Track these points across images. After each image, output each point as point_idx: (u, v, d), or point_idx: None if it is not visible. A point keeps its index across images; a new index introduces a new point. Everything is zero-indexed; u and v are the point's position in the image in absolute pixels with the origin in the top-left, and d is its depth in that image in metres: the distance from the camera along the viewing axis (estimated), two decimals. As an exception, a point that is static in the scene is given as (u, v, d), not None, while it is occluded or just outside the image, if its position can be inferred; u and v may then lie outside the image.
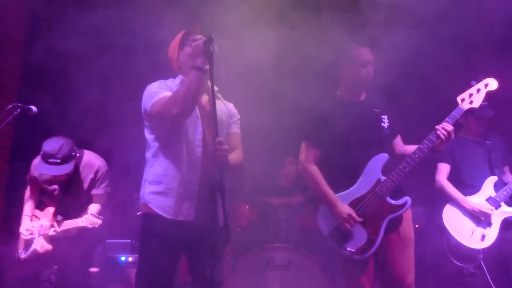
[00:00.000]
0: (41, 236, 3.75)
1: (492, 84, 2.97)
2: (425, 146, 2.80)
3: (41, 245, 3.72)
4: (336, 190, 2.88)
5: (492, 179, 3.82)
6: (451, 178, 3.95)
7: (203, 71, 2.45)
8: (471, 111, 3.65)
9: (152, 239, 2.54)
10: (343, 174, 2.90)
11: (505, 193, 3.75)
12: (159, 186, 2.57)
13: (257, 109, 3.70)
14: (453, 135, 2.81)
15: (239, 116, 2.89)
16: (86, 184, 3.85)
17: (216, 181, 2.30)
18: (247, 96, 3.31)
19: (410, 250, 2.87)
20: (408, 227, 2.89)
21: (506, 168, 4.02)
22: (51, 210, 3.85)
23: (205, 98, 2.73)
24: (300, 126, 3.11)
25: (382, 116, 3.00)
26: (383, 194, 2.79)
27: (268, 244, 3.96)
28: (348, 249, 2.79)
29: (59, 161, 3.58)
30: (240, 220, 4.28)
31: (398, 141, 3.12)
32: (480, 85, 2.98)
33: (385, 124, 2.98)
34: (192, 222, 2.53)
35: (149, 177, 2.62)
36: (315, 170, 2.95)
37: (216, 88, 2.77)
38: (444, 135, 2.78)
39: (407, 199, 2.82)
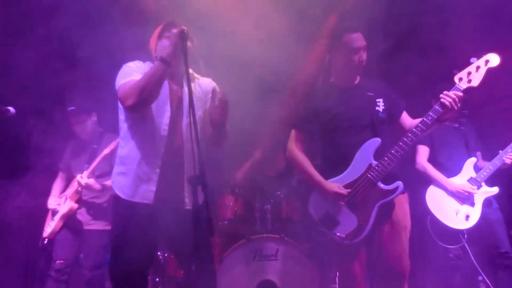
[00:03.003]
0: (68, 199, 3.94)
1: (494, 60, 2.71)
2: (419, 129, 2.73)
3: (66, 206, 3.92)
4: (329, 176, 2.87)
5: (472, 160, 3.91)
6: (430, 161, 4.01)
7: (166, 63, 2.41)
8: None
9: (114, 220, 2.61)
10: (335, 159, 2.89)
11: (485, 173, 3.83)
12: (122, 167, 2.61)
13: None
14: (459, 103, 2.66)
15: (218, 90, 2.77)
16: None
17: (197, 175, 2.22)
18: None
19: (404, 236, 2.83)
20: (401, 213, 2.86)
21: (479, 154, 4.11)
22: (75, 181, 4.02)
23: (178, 84, 2.68)
24: (291, 114, 3.09)
25: (377, 100, 2.92)
26: (375, 179, 2.77)
27: (254, 234, 3.94)
28: (338, 234, 2.80)
29: (73, 107, 4.03)
30: (227, 212, 4.24)
31: (405, 118, 3.01)
32: (480, 62, 2.72)
33: (380, 107, 2.91)
34: (151, 205, 2.51)
35: (117, 157, 2.66)
36: (301, 156, 2.95)
37: (190, 70, 2.71)
38: (450, 102, 2.65)
39: (399, 183, 2.77)
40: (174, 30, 2.42)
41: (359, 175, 2.81)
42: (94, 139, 4.11)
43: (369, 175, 2.78)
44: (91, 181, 3.84)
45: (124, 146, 2.63)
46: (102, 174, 3.98)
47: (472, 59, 2.74)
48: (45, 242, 3.96)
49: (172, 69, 2.51)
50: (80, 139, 4.17)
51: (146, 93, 2.42)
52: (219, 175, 4.32)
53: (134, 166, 2.54)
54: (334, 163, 2.89)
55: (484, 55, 2.74)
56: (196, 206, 2.12)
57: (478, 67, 2.71)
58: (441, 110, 2.70)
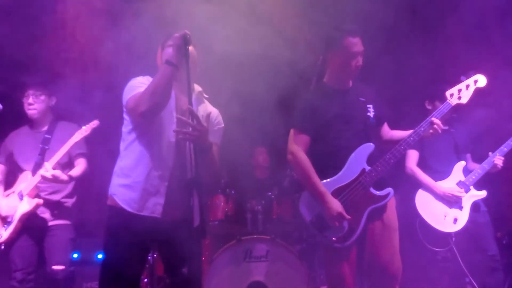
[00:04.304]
0: (26, 196, 3.52)
1: (481, 80, 2.98)
2: (412, 139, 2.84)
3: (27, 204, 3.50)
4: (321, 178, 2.85)
5: (461, 164, 3.94)
6: (419, 164, 4.04)
7: (172, 65, 2.39)
8: (439, 97, 3.75)
9: (115, 233, 2.49)
10: (328, 161, 2.88)
11: (473, 177, 3.86)
12: (126, 179, 2.51)
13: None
14: (440, 131, 2.86)
15: (222, 125, 2.78)
16: (62, 147, 3.62)
17: (191, 178, 2.24)
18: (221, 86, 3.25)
19: (395, 238, 2.87)
20: (392, 215, 2.90)
21: (468, 156, 4.15)
22: (27, 173, 3.63)
23: (184, 94, 2.62)
24: (289, 113, 3.04)
25: (368, 106, 2.96)
26: (367, 184, 2.80)
27: (245, 235, 3.94)
28: (329, 237, 2.80)
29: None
30: (217, 213, 4.23)
31: (384, 128, 3.09)
32: (470, 81, 2.99)
33: (371, 113, 2.95)
34: (159, 219, 2.46)
35: (118, 169, 2.58)
36: (305, 159, 2.85)
37: (200, 89, 2.73)
38: (436, 131, 2.84)
39: (390, 190, 2.83)
40: (177, 34, 2.41)
41: (352, 179, 2.82)
42: (44, 125, 3.80)
43: (362, 180, 2.81)
44: (58, 172, 3.46)
45: (128, 157, 2.55)
46: (64, 164, 3.66)
47: (462, 78, 2.99)
48: (2, 247, 3.54)
49: (178, 75, 2.45)
50: (27, 126, 3.82)
51: (156, 97, 2.37)
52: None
53: (141, 179, 2.48)
54: (326, 165, 2.88)
55: (472, 74, 2.99)
56: (203, 219, 2.16)
57: (467, 86, 2.98)
58: (422, 134, 2.86)
